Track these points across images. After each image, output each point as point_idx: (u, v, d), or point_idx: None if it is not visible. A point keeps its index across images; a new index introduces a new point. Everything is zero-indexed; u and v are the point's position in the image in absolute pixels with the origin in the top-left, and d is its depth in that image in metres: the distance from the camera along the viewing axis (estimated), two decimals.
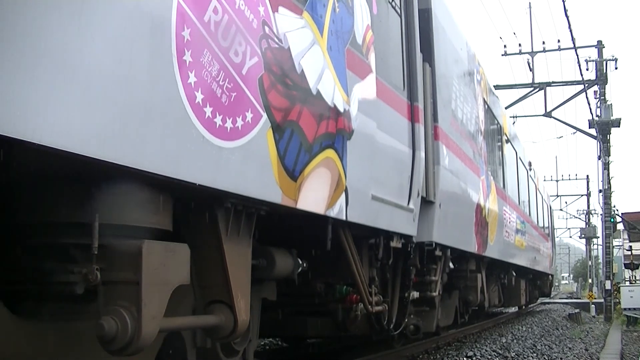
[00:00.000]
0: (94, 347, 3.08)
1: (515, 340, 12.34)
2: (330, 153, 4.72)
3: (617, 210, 30.52)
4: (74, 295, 3.09)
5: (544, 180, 40.30)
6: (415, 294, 7.57)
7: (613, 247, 26.95)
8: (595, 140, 24.89)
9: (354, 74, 5.24)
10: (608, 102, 24.20)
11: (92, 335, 3.03)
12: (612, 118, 24.01)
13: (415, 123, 6.80)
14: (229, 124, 3.49)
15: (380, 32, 5.99)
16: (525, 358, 9.78)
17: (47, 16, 2.43)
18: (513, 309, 21.58)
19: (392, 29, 6.51)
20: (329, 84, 4.74)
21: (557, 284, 59.70)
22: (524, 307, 21.00)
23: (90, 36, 2.61)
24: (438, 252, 8.00)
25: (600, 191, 25.78)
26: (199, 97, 3.23)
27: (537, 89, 24.09)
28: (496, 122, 12.66)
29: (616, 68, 24.52)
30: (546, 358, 9.96)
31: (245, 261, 4.06)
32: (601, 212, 26.83)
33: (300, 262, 4.99)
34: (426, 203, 7.32)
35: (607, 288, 24.37)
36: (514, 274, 16.14)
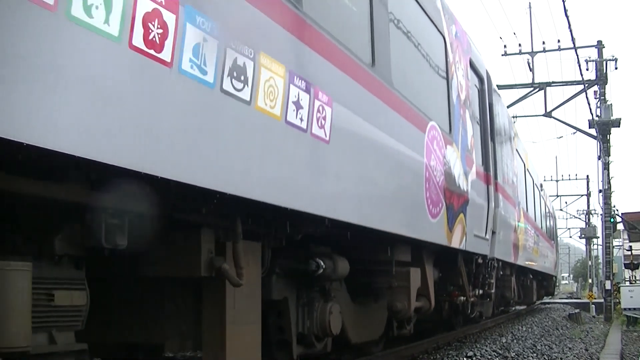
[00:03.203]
0: (379, 317, 7.38)
1: (515, 340, 12.34)
2: (461, 215, 8.38)
3: (617, 210, 30.53)
4: (380, 290, 7.26)
5: (544, 180, 40.37)
6: (481, 291, 10.94)
7: (613, 247, 26.96)
8: (595, 140, 24.90)
9: (469, 168, 8.93)
10: (608, 102, 24.21)
11: (379, 311, 7.35)
12: (612, 118, 24.02)
13: (489, 185, 10.38)
14: (434, 211, 7.20)
15: (476, 136, 9.74)
16: (525, 358, 9.78)
17: None
18: (521, 307, 22.47)
19: (479, 129, 10.15)
20: (461, 178, 8.46)
21: (557, 284, 59.82)
22: (534, 303, 24.52)
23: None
24: (495, 263, 11.36)
25: (600, 191, 25.80)
26: (429, 200, 6.97)
27: (537, 89, 24.09)
28: (521, 159, 15.76)
29: (616, 68, 24.53)
30: (546, 358, 9.96)
31: (431, 274, 8.25)
32: (601, 212, 26.85)
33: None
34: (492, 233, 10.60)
35: (607, 288, 24.37)
36: (531, 276, 19.81)
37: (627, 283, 29.26)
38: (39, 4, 2.41)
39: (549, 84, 24.23)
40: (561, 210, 54.49)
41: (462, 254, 9.10)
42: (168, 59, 3.06)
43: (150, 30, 2.94)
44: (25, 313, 2.93)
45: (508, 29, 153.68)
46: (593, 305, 26.93)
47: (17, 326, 2.89)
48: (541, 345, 11.67)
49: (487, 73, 10.92)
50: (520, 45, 26.76)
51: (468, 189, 8.65)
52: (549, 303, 30.91)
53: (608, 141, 24.81)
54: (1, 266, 2.87)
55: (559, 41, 25.40)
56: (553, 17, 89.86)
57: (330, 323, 5.78)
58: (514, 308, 20.70)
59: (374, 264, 6.93)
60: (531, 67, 24.47)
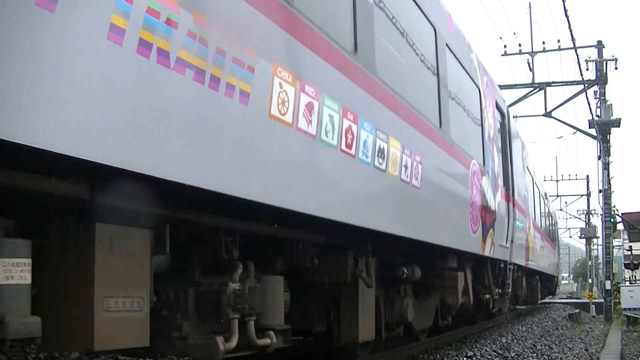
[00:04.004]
0: (431, 310, 9.42)
1: (515, 340, 12.34)
2: (491, 230, 10.34)
3: (617, 210, 30.52)
4: (435, 288, 9.23)
5: (544, 180, 40.37)
6: (500, 290, 12.64)
7: (613, 247, 26.95)
8: (595, 140, 24.89)
9: (496, 191, 10.96)
10: (608, 102, 24.20)
11: (432, 305, 9.43)
12: (612, 118, 24.01)
13: (509, 202, 12.31)
14: (474, 228, 9.09)
15: (499, 163, 11.58)
16: (525, 358, 9.79)
17: None
18: (523, 307, 22.59)
19: (501, 156, 11.94)
20: (491, 200, 10.46)
21: (558, 284, 59.87)
22: (537, 301, 26.04)
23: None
24: (511, 266, 13.03)
25: (600, 191, 25.79)
26: (471, 220, 8.89)
27: (537, 89, 24.07)
28: (530, 174, 17.60)
29: (616, 68, 24.53)
30: (546, 358, 9.96)
31: (469, 277, 10.35)
32: (601, 212, 26.85)
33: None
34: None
35: (607, 288, 24.37)
36: (537, 277, 21.82)
37: (627, 283, 29.26)
38: (305, 133, 4.50)
39: (549, 84, 24.22)
40: (561, 210, 54.51)
41: (489, 260, 11.34)
42: (353, 153, 5.24)
43: (347, 138, 5.08)
44: None
45: (508, 29, 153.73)
46: (593, 305, 26.92)
47: None
48: (541, 345, 11.68)
49: (507, 109, 13.33)
50: (520, 45, 26.79)
51: (496, 208, 10.93)
52: (549, 303, 30.92)
53: (608, 141, 24.80)
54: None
55: (559, 41, 25.42)
56: (553, 17, 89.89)
57: (407, 314, 8.11)
58: (523, 306, 22.68)
59: (433, 270, 8.92)
60: (531, 67, 24.47)
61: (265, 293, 4.85)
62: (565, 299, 41.01)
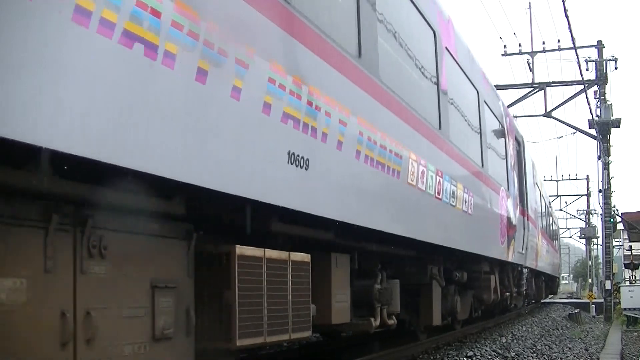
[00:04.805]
0: (468, 304, 11.60)
1: (515, 340, 12.34)
2: (512, 240, 12.80)
3: (617, 210, 30.52)
4: (471, 287, 11.57)
5: (544, 180, 40.39)
6: (517, 289, 15.46)
7: (613, 247, 26.95)
8: (595, 140, 24.88)
9: (515, 209, 13.49)
10: (608, 102, 24.19)
11: (468, 300, 11.53)
12: (612, 118, 24.00)
13: (524, 216, 14.88)
14: (502, 240, 11.86)
15: (517, 184, 14.15)
16: (525, 358, 9.79)
17: None
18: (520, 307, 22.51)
19: (518, 178, 14.45)
20: (513, 216, 12.97)
21: (558, 283, 59.99)
22: (542, 299, 28.97)
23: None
24: (525, 269, 16.06)
25: (600, 191, 25.78)
26: (500, 234, 11.72)
27: (537, 89, 24.06)
28: (538, 188, 20.20)
29: (616, 68, 24.50)
30: (546, 358, 9.96)
31: (497, 279, 12.71)
32: (601, 212, 26.84)
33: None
34: None
35: (607, 288, 24.36)
36: (543, 278, 24.18)
37: (627, 283, 29.21)
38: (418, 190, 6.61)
39: (549, 84, 24.20)
40: (561, 210, 54.50)
41: (510, 265, 13.94)
42: (441, 197, 7.69)
43: (438, 188, 7.54)
44: None
45: (508, 29, 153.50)
46: (593, 305, 26.88)
47: None
48: (541, 345, 11.68)
49: (522, 137, 15.88)
50: (520, 45, 26.79)
51: (515, 222, 13.51)
52: (549, 303, 30.93)
53: (608, 141, 24.80)
54: None
55: (559, 41, 25.43)
56: (553, 17, 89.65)
57: (456, 307, 10.58)
58: (533, 300, 24.95)
59: (471, 273, 11.06)
60: (531, 67, 24.46)
61: (392, 291, 7.35)
62: (565, 299, 40.97)
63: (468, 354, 9.47)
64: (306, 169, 4.47)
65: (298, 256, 4.87)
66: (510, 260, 12.87)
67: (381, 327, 7.24)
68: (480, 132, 10.51)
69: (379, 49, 5.95)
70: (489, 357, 9.63)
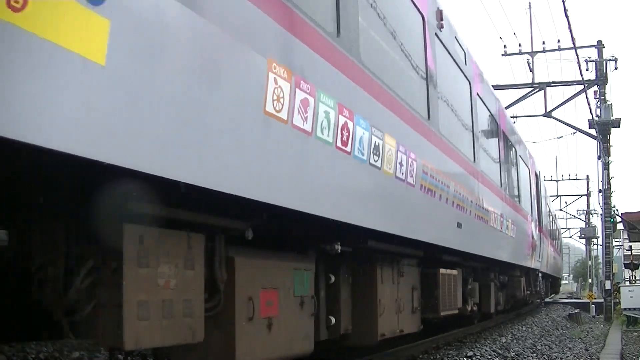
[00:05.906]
0: (502, 299, 15.23)
1: (515, 340, 12.35)
2: (534, 252, 17.39)
3: (617, 210, 30.50)
4: (507, 286, 15.56)
5: (545, 180, 40.44)
6: (533, 289, 19.05)
7: (613, 247, 26.94)
8: (595, 140, 24.87)
9: (536, 228, 17.91)
10: (608, 102, 24.17)
11: (503, 296, 15.17)
12: (612, 118, 23.98)
13: (540, 233, 18.81)
14: (528, 252, 16.36)
15: (536, 208, 18.28)
16: (525, 358, 9.79)
17: None
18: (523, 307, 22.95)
19: (536, 203, 18.58)
20: (534, 234, 17.47)
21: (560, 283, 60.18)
22: (547, 297, 30.87)
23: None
24: (539, 273, 20.06)
25: (600, 191, 25.77)
26: (529, 248, 16.37)
27: (537, 89, 24.05)
28: (547, 205, 24.11)
29: (616, 68, 24.47)
30: (546, 358, 9.97)
31: (524, 280, 17.40)
32: (601, 212, 26.84)
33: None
34: None
35: (607, 288, 24.36)
36: (550, 279, 26.64)
37: (627, 283, 29.21)
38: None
39: (549, 84, 24.19)
40: (561, 210, 54.47)
41: (531, 270, 17.73)
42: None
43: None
44: None
45: (508, 29, 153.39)
46: (593, 305, 26.88)
47: None
48: (541, 345, 11.68)
49: (538, 171, 19.79)
50: (520, 45, 26.75)
51: (536, 238, 17.61)
52: (548, 303, 30.93)
53: (608, 141, 24.79)
54: None
55: (559, 41, 25.39)
56: (553, 17, 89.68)
57: (500, 301, 14.05)
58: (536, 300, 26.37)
59: (507, 276, 14.61)
60: (531, 67, 24.45)
61: (475, 289, 11.31)
62: (565, 299, 40.97)
63: (468, 354, 9.48)
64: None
65: (449, 271, 9.20)
66: (532, 266, 17.32)
67: (471, 312, 11.22)
68: (518, 174, 14.91)
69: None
70: (489, 357, 9.63)
